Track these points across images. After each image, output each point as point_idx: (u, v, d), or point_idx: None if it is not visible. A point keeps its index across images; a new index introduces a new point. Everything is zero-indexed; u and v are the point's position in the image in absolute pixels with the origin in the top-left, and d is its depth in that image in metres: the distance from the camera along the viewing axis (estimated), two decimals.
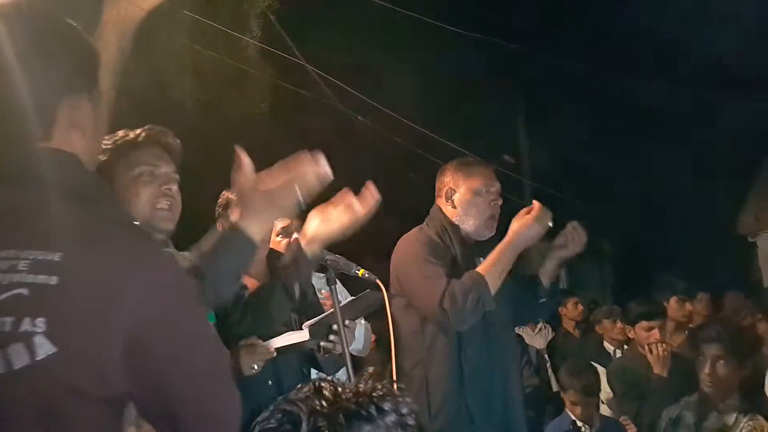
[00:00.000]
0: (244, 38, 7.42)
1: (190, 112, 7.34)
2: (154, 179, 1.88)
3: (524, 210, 2.65)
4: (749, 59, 8.68)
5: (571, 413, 3.69)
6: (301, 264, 2.13)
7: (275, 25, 7.38)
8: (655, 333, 3.84)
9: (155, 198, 1.86)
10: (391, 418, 0.86)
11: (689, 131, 9.36)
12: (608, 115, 10.72)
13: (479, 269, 2.58)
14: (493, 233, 2.80)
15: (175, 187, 1.91)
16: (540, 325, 5.66)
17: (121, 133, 1.95)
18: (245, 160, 1.52)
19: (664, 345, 3.69)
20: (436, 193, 2.86)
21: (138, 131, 1.95)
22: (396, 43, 9.07)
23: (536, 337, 5.67)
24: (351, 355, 3.32)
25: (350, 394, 0.88)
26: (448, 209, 2.78)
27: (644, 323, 3.92)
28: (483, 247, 2.80)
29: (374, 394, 0.87)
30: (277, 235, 3.16)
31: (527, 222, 2.59)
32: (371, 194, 1.89)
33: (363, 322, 3.24)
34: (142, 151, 1.91)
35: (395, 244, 2.81)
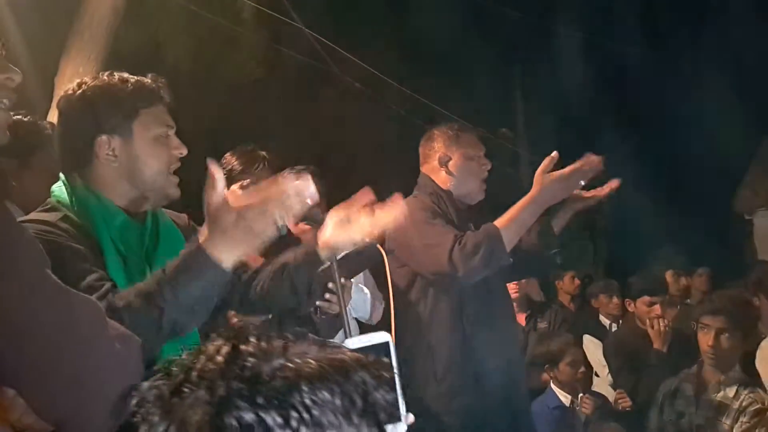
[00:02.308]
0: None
1: (185, 75, 7.21)
2: (169, 142, 1.69)
3: (547, 159, 2.45)
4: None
5: (559, 389, 3.66)
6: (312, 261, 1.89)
7: None
8: (657, 308, 3.84)
9: (170, 165, 1.68)
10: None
11: (688, 106, 9.30)
12: (606, 86, 10.64)
13: (496, 222, 2.50)
14: (483, 196, 2.79)
15: (184, 150, 1.73)
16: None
17: (131, 78, 1.67)
18: (217, 175, 1.36)
19: (665, 320, 3.69)
20: (422, 160, 2.81)
21: (149, 80, 1.68)
22: (396, 10, 8.94)
23: None
24: (357, 320, 3.32)
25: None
26: (440, 176, 2.74)
27: (646, 298, 3.92)
28: (472, 212, 2.79)
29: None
30: (303, 220, 3.12)
31: (555, 177, 2.43)
32: (397, 205, 1.76)
33: (364, 289, 3.20)
34: (158, 107, 1.68)
35: None
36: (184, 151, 1.69)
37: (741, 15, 8.61)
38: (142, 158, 1.67)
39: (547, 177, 2.44)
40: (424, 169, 2.80)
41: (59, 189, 1.67)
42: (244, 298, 1.84)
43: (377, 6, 8.97)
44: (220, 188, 1.37)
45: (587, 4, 9.22)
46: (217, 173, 1.37)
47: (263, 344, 0.65)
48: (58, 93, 4.74)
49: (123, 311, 1.36)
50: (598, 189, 2.65)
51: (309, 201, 1.41)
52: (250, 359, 0.62)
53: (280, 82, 8.54)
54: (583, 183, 2.48)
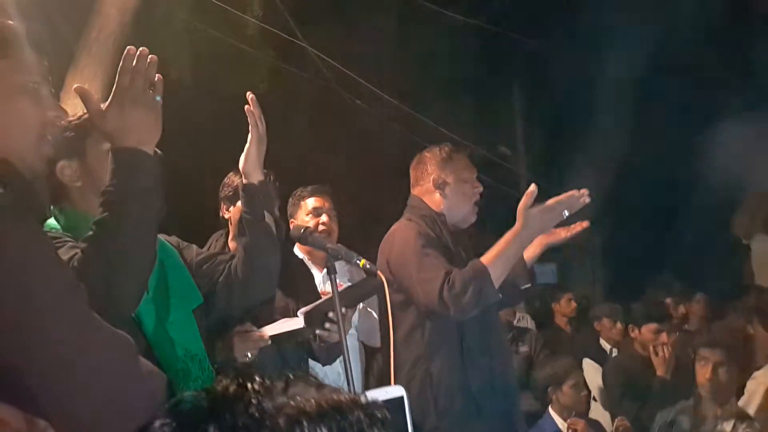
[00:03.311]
0: (245, 17, 7.33)
1: (188, 89, 7.25)
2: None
3: (527, 194, 2.45)
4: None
5: (557, 414, 3.66)
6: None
7: (278, 5, 7.28)
8: (664, 336, 3.85)
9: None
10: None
11: (688, 130, 9.34)
12: (606, 111, 10.69)
13: (482, 259, 2.50)
14: (475, 219, 2.80)
15: (64, 116, 1.80)
16: (518, 315, 5.61)
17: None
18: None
19: (669, 348, 3.70)
20: (414, 182, 2.81)
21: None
22: (398, 30, 9.00)
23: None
24: (364, 345, 3.33)
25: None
26: (433, 198, 2.74)
27: (653, 326, 3.92)
28: (462, 237, 2.80)
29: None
30: (308, 215, 3.19)
31: (537, 211, 2.43)
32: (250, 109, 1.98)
33: (374, 313, 3.22)
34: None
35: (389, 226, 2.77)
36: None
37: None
38: (96, 171, 1.68)
39: (529, 212, 2.43)
40: (415, 191, 2.80)
41: (50, 221, 1.73)
42: (229, 296, 1.96)
43: (380, 25, 9.03)
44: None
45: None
46: None
47: (267, 383, 0.71)
48: (64, 108, 4.77)
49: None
50: (570, 227, 2.68)
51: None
52: (256, 397, 0.68)
53: (284, 98, 8.58)
54: (567, 214, 2.47)
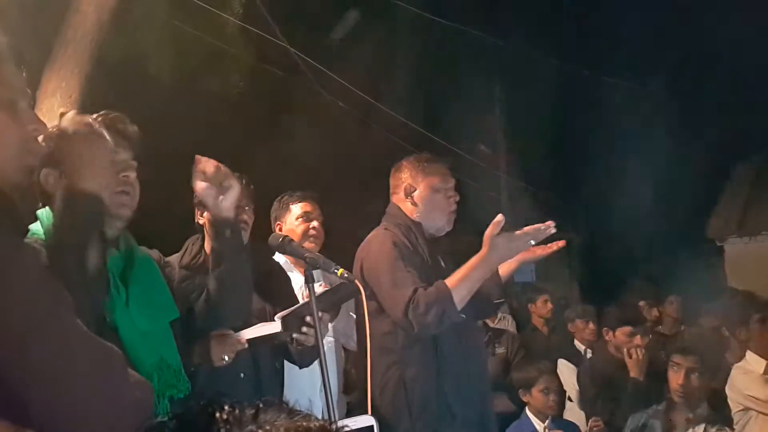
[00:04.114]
0: (224, 15, 7.30)
1: (167, 88, 7.20)
2: (112, 165, 1.74)
3: (494, 223, 2.50)
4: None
5: (533, 416, 3.69)
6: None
7: (258, 4, 7.26)
8: (638, 339, 3.91)
9: (113, 185, 1.78)
10: None
11: (666, 131, 9.47)
12: (584, 111, 10.81)
13: (448, 281, 2.54)
14: (450, 228, 2.83)
15: (133, 175, 1.88)
16: (500, 315, 5.66)
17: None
18: None
19: (643, 350, 3.76)
20: (392, 191, 2.84)
21: (94, 116, 1.78)
22: (380, 29, 9.02)
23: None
24: (345, 349, 3.34)
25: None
26: (407, 206, 2.77)
27: (627, 329, 3.98)
28: (441, 243, 2.83)
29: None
30: (297, 219, 3.21)
31: (504, 239, 2.48)
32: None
33: (354, 315, 3.23)
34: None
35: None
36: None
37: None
38: None
39: (495, 239, 2.48)
40: (393, 198, 2.83)
41: (34, 225, 1.74)
42: (205, 314, 2.01)
43: (359, 24, 9.04)
44: None
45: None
46: None
47: (236, 412, 0.71)
48: (41, 108, 4.72)
49: None
50: (546, 246, 2.73)
51: None
52: (225, 426, 0.69)
53: (262, 96, 8.56)
54: (533, 243, 2.53)
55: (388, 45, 9.18)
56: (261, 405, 0.72)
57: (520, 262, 2.82)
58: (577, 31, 10.09)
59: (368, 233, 2.80)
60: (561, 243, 2.76)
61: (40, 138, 1.34)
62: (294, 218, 3.28)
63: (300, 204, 3.30)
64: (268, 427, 0.69)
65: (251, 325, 2.34)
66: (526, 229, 2.49)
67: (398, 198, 2.81)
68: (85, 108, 4.64)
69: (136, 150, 1.91)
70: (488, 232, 2.49)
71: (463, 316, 2.55)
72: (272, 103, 8.60)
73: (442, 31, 9.27)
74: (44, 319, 1.11)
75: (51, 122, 1.69)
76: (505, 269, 2.80)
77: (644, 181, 9.58)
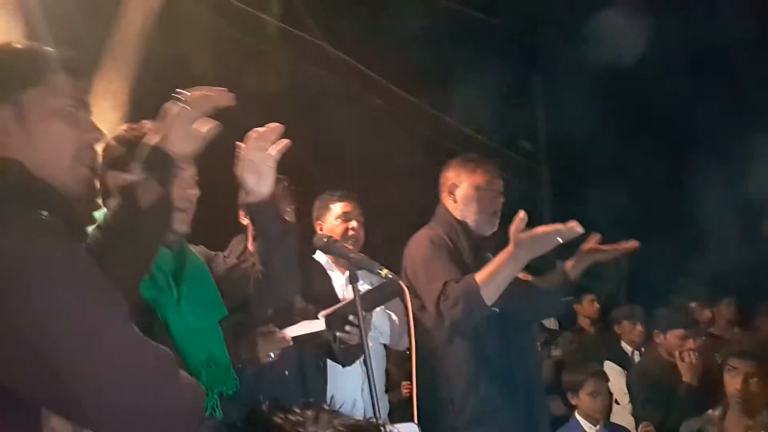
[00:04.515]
0: (264, 17, 7.37)
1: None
2: (178, 182, 1.76)
3: (517, 220, 2.47)
4: None
5: (583, 419, 3.63)
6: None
7: (298, 5, 7.31)
8: (691, 343, 3.81)
9: (177, 201, 1.74)
10: None
11: (721, 124, 9.18)
12: (632, 106, 10.56)
13: (477, 276, 2.54)
14: (494, 229, 2.83)
15: (196, 192, 1.91)
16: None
17: (147, 124, 1.83)
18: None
19: (696, 353, 3.66)
20: (441, 189, 2.87)
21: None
22: (420, 29, 8.97)
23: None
24: (385, 346, 3.36)
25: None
26: (450, 205, 2.80)
27: (680, 331, 3.88)
28: (488, 243, 2.82)
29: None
30: (337, 219, 3.23)
31: (528, 236, 2.45)
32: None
33: (392, 315, 3.25)
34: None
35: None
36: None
37: None
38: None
39: (519, 236, 2.45)
40: (441, 197, 2.87)
41: (99, 213, 1.77)
42: (259, 298, 2.04)
43: (399, 23, 9.02)
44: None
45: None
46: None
47: (299, 413, 0.77)
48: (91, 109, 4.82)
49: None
50: (618, 244, 2.68)
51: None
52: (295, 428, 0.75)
53: (302, 96, 8.61)
54: (560, 241, 2.46)
55: (427, 43, 9.13)
56: (317, 406, 0.75)
57: (592, 263, 2.77)
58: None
59: (407, 232, 2.85)
60: (633, 243, 2.68)
61: (97, 146, 1.41)
62: (333, 218, 3.29)
63: (340, 204, 3.30)
64: (335, 422, 0.74)
65: (295, 324, 2.36)
66: (547, 227, 2.45)
67: (444, 197, 2.84)
68: (133, 109, 4.75)
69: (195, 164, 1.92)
70: (512, 228, 2.48)
71: (496, 310, 2.54)
72: (312, 102, 8.64)
73: (484, 27, 9.20)
74: (99, 322, 1.14)
75: (101, 124, 1.72)
76: (573, 269, 2.76)
77: (700, 177, 9.33)
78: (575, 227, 2.42)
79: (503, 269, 2.50)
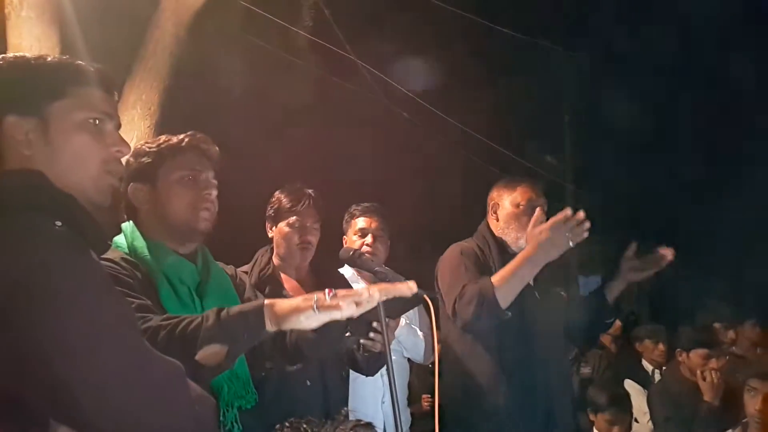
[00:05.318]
0: (294, 29, 7.47)
1: (237, 99, 7.42)
2: (196, 184, 1.94)
3: (533, 219, 2.54)
4: None
5: None
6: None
7: (328, 18, 7.39)
8: (714, 363, 3.78)
9: (197, 202, 1.92)
10: None
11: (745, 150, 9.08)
12: (661, 121, 10.47)
13: (493, 278, 2.58)
14: None
15: (215, 193, 1.99)
16: None
17: (163, 137, 1.99)
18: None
19: (718, 373, 3.63)
20: (487, 211, 2.97)
21: (181, 137, 1.98)
22: (448, 44, 9.02)
23: None
24: (409, 360, 3.37)
25: None
26: (493, 223, 2.89)
27: (703, 351, 3.85)
28: None
29: None
30: (355, 234, 3.25)
31: (538, 231, 2.50)
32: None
33: (419, 332, 3.29)
34: (184, 156, 1.95)
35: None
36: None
37: None
38: (164, 197, 1.89)
39: (532, 232, 2.51)
40: (487, 218, 2.96)
41: (119, 237, 1.92)
42: (278, 345, 1.96)
43: (424, 37, 9.08)
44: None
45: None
46: None
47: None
48: (122, 119, 4.92)
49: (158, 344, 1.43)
50: (654, 251, 2.70)
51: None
52: None
53: (330, 108, 8.69)
54: (572, 245, 2.48)
55: (454, 57, 9.17)
56: (349, 419, 0.77)
57: (628, 282, 2.80)
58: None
59: (432, 245, 2.92)
60: (669, 257, 2.70)
61: (123, 159, 1.43)
62: (353, 233, 3.28)
63: (361, 218, 3.29)
64: None
65: None
66: (554, 218, 2.47)
67: (489, 216, 2.93)
68: (164, 119, 4.84)
69: (217, 169, 2.01)
70: (529, 230, 2.55)
71: (509, 314, 2.56)
72: (340, 115, 8.72)
73: (511, 42, 9.21)
74: (108, 334, 1.16)
75: (131, 133, 1.80)
76: (612, 291, 2.80)
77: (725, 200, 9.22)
78: (580, 217, 2.45)
79: (519, 271, 2.54)
